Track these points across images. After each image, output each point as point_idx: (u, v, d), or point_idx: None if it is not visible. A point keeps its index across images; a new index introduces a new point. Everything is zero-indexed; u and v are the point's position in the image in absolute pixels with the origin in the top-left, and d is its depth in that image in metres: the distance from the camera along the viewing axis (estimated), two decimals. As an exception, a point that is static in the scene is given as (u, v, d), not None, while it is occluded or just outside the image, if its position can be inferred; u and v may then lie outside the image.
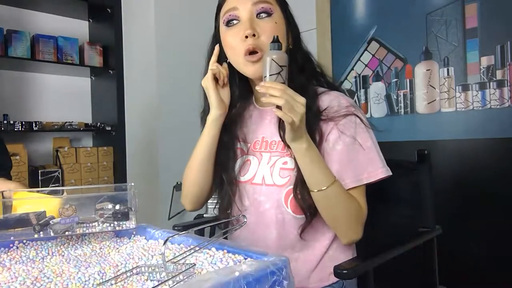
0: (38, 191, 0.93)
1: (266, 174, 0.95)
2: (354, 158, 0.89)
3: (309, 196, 0.88)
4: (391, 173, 0.91)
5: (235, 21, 0.91)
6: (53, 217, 0.79)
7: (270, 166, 0.95)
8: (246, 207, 0.98)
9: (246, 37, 0.89)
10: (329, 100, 0.93)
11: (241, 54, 0.90)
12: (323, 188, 0.84)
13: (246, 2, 0.89)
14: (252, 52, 0.89)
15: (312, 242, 0.95)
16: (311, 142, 0.84)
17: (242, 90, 1.02)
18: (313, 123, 0.89)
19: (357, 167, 0.89)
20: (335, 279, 0.96)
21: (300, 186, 0.89)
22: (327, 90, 0.97)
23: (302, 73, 0.94)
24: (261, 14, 0.90)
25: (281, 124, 0.92)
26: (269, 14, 0.90)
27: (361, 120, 0.91)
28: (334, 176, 0.86)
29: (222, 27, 0.94)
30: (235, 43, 0.91)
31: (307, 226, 0.92)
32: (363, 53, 2.29)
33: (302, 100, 0.78)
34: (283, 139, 0.92)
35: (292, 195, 0.90)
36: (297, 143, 0.82)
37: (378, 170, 0.90)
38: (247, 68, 0.92)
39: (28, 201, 0.85)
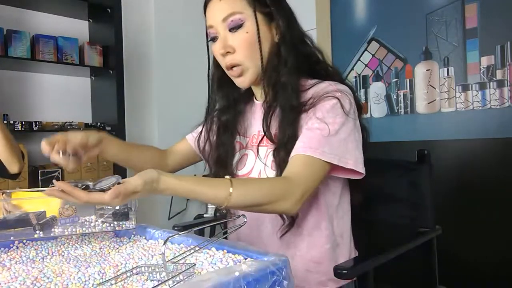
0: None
1: (262, 168, 0.95)
2: (313, 134, 0.84)
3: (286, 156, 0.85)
4: (348, 167, 0.84)
5: (215, 37, 0.93)
6: (54, 217, 0.79)
7: (266, 160, 0.95)
8: None
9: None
10: (320, 88, 0.91)
11: (225, 68, 0.94)
12: (228, 195, 0.74)
13: (217, 19, 0.90)
14: (233, 66, 0.92)
15: (308, 237, 0.94)
16: (167, 180, 0.70)
17: (243, 90, 1.02)
18: (294, 120, 0.88)
19: (312, 140, 0.83)
20: (334, 285, 0.94)
21: (280, 149, 0.87)
22: (319, 81, 0.93)
23: (285, 66, 0.90)
24: (232, 29, 0.90)
25: (264, 117, 0.93)
26: (239, 26, 0.89)
27: (341, 105, 0.86)
28: (228, 179, 0.76)
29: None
30: (218, 58, 0.95)
31: (287, 229, 0.90)
32: (363, 53, 2.29)
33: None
34: (265, 132, 0.92)
35: None
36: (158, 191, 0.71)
37: (333, 156, 0.82)
38: (234, 80, 0.95)
39: (29, 201, 0.85)
